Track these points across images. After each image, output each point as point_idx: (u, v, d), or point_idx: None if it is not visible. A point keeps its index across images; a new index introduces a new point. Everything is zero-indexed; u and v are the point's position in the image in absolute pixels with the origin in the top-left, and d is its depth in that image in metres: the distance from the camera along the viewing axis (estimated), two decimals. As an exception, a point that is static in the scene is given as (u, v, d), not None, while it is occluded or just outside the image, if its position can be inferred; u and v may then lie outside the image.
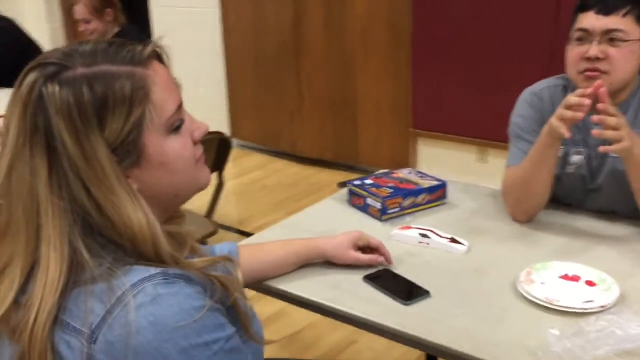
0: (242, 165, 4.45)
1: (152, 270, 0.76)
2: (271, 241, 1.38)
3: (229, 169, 4.41)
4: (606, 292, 1.19)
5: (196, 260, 0.85)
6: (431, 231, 1.46)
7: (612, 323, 1.03)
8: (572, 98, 1.37)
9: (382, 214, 1.58)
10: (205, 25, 4.65)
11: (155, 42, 0.86)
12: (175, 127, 0.84)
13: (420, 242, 1.45)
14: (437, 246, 1.43)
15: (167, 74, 0.85)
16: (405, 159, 3.87)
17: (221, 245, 1.27)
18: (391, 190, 1.61)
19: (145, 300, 0.73)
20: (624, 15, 1.43)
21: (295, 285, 1.30)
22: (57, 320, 0.75)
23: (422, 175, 1.73)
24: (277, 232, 1.57)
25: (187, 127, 0.87)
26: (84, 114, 0.75)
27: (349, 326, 1.23)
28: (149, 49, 0.83)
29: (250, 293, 2.60)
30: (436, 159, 3.81)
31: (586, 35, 1.46)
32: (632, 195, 1.45)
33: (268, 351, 0.97)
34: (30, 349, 0.73)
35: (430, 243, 1.44)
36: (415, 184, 1.66)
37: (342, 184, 1.73)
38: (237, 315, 0.85)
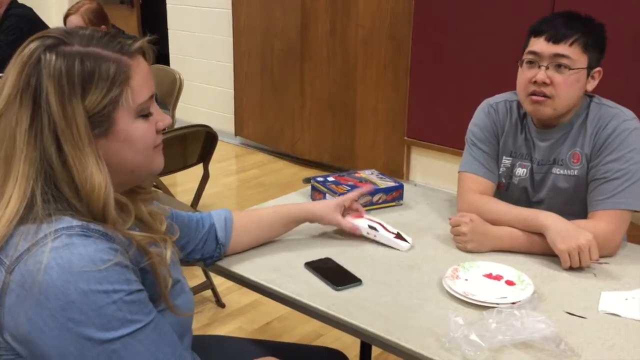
0: (243, 162, 4.58)
1: (75, 222, 0.88)
2: (264, 207, 1.52)
3: (230, 165, 4.56)
4: (522, 291, 1.28)
5: (134, 233, 0.96)
6: (380, 224, 1.54)
7: (511, 316, 1.12)
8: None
9: (337, 210, 1.68)
10: (217, 27, 4.79)
11: (144, 40, 1.00)
12: (144, 113, 0.98)
13: (367, 233, 1.53)
14: (382, 240, 1.52)
15: (147, 68, 0.99)
16: (400, 166, 3.97)
17: (217, 211, 1.41)
18: (349, 189, 1.71)
19: (59, 245, 0.85)
20: (572, 43, 1.52)
21: (242, 267, 1.41)
22: None
23: (382, 176, 1.82)
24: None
25: (154, 117, 1.01)
26: (72, 82, 0.90)
27: (317, 321, 1.30)
28: (137, 45, 0.98)
29: (227, 284, 2.71)
30: (429, 167, 3.91)
31: (536, 59, 1.55)
32: (571, 211, 1.55)
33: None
34: None
35: (377, 236, 1.52)
36: (374, 183, 1.76)
37: (307, 180, 1.83)
38: (155, 283, 0.96)
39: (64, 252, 0.84)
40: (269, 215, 1.47)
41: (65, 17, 3.15)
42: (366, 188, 1.46)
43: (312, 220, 1.50)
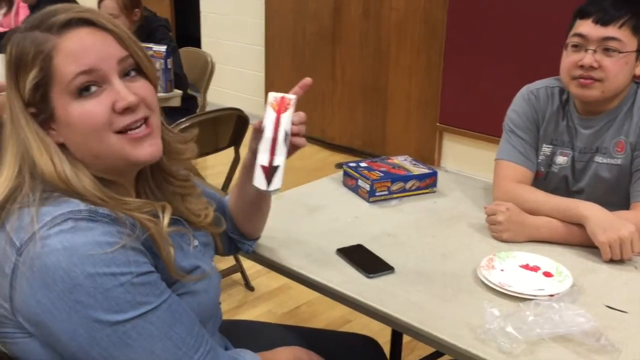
0: (273, 146, 4.56)
1: (82, 206, 0.88)
2: None
3: (260, 149, 4.55)
4: (560, 283, 1.24)
5: (129, 200, 0.94)
6: (273, 139, 1.12)
7: (549, 309, 1.09)
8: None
9: (370, 196, 1.65)
10: (249, 9, 4.77)
11: (79, 10, 0.92)
12: (81, 90, 0.89)
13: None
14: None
15: (80, 42, 0.89)
16: (431, 153, 3.92)
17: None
18: (382, 174, 1.68)
19: (66, 228, 0.85)
20: (621, 25, 1.45)
21: (273, 252, 1.39)
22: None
23: (416, 163, 1.79)
24: (275, 203, 1.66)
25: (108, 96, 0.91)
26: (10, 71, 0.91)
27: (345, 306, 1.28)
28: (62, 18, 0.90)
29: (257, 267, 2.71)
30: (461, 154, 3.84)
31: (582, 42, 1.49)
32: (613, 201, 1.49)
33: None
34: None
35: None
36: (407, 170, 1.73)
37: (340, 165, 1.80)
38: (160, 257, 0.94)
39: (70, 236, 0.84)
40: (237, 181, 1.28)
41: (100, 0, 3.16)
42: (305, 82, 1.18)
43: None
